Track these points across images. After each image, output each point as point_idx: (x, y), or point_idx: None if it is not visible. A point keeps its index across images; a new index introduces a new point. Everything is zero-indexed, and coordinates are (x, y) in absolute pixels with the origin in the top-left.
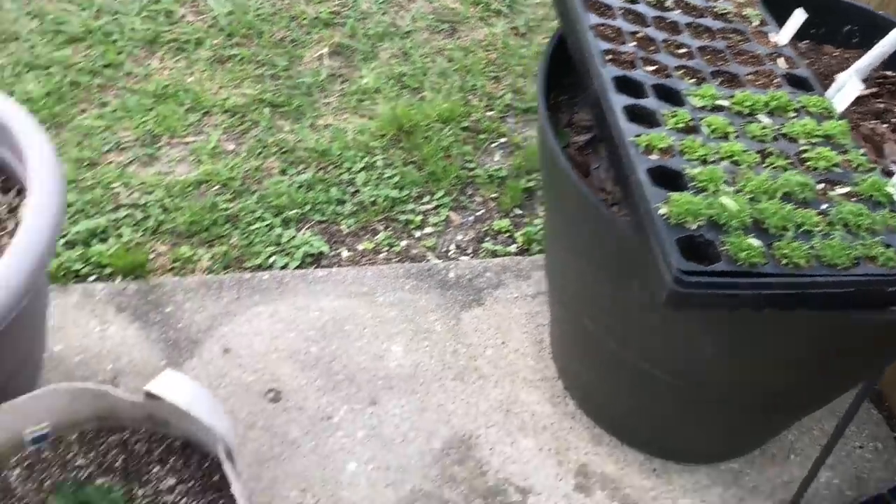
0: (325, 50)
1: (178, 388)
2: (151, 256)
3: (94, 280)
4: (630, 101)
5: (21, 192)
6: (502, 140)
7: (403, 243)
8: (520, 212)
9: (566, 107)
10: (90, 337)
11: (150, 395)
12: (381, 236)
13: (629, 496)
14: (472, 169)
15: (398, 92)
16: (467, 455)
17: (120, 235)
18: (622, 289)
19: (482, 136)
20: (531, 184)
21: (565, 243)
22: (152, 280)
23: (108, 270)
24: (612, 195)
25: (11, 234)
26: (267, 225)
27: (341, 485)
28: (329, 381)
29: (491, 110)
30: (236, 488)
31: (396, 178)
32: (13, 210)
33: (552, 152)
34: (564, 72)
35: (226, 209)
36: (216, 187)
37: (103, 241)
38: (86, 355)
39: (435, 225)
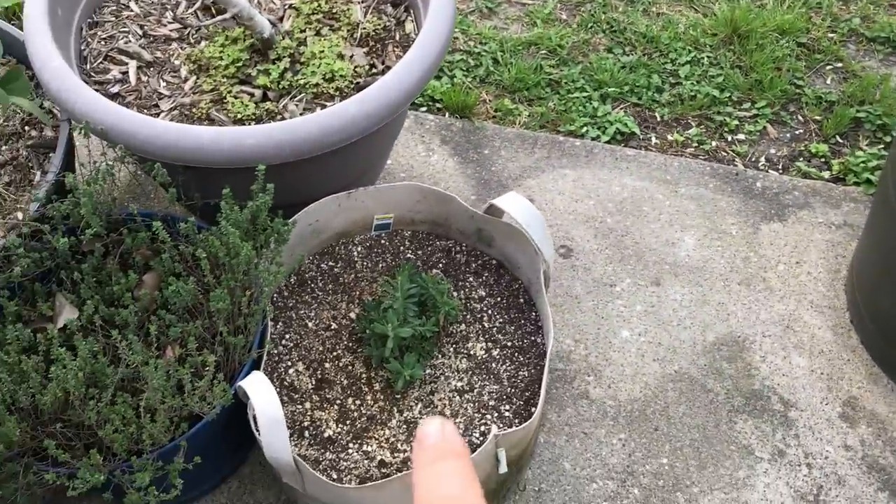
0: None
1: (520, 208)
2: (478, 102)
3: (425, 111)
4: None
5: (408, 9)
6: (838, 64)
7: (714, 143)
8: (841, 140)
9: None
10: (416, 159)
11: (489, 211)
12: (692, 131)
13: (895, 439)
14: (800, 86)
15: None
16: (738, 355)
17: (453, 76)
18: None
19: (818, 56)
20: (861, 115)
21: None
22: (476, 122)
23: (438, 105)
24: None
25: (397, 43)
26: (586, 96)
27: (612, 346)
28: (618, 252)
29: (833, 32)
30: (546, 310)
31: (720, 79)
32: (400, 23)
33: None
34: None
35: (549, 73)
36: (544, 51)
37: (437, 78)
38: (409, 174)
39: (749, 133)
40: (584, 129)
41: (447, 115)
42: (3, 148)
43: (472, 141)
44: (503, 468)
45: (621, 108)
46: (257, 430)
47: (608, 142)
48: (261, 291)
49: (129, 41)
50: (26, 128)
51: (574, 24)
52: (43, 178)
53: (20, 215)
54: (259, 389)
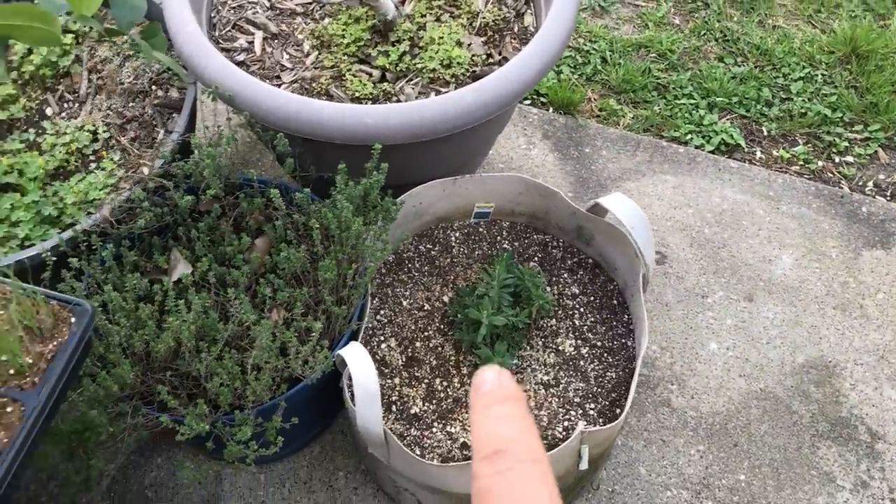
0: None
1: (626, 209)
2: (583, 100)
3: (529, 104)
4: None
5: (528, 2)
6: None
7: (820, 163)
8: None
9: None
10: (516, 151)
11: (592, 209)
12: (799, 149)
13: None
14: None
15: (862, 13)
16: (827, 380)
17: (560, 72)
18: None
19: None
20: None
21: None
22: (580, 119)
23: (543, 100)
24: None
25: (515, 34)
26: (693, 104)
27: (699, 357)
28: (712, 264)
29: None
30: (641, 314)
31: (833, 98)
32: (519, 15)
33: None
34: None
35: (657, 77)
36: (654, 55)
37: None
38: (508, 165)
39: (859, 156)
40: (689, 136)
41: (551, 110)
42: (131, 105)
43: (574, 138)
44: (584, 465)
45: (728, 119)
46: (351, 400)
47: (712, 151)
48: (366, 266)
49: (257, 12)
50: (153, 87)
51: (686, 30)
52: (166, 136)
53: (146, 170)
54: (358, 360)
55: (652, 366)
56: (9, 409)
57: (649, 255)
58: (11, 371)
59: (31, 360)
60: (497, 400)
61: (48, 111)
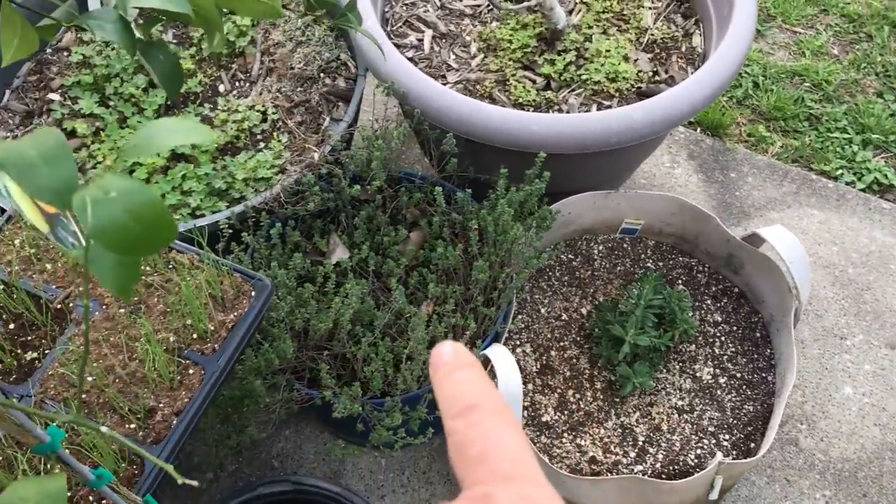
0: None
1: (786, 243)
2: (732, 124)
3: (687, 125)
4: None
5: (698, 22)
6: None
7: None
8: None
9: None
10: (660, 168)
11: (748, 238)
12: None
13: None
14: None
15: None
16: None
17: None
18: None
19: None
20: None
21: None
22: (728, 143)
23: (691, 120)
24: None
25: (682, 54)
26: (846, 138)
27: (832, 400)
28: (854, 305)
29: None
30: (790, 351)
31: None
32: (687, 34)
33: None
34: None
35: (810, 107)
36: (808, 84)
37: None
38: (650, 182)
39: None
40: (839, 171)
41: (699, 130)
42: (299, 89)
43: (721, 161)
44: (714, 495)
45: (883, 158)
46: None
47: (863, 189)
48: (518, 271)
49: (428, 11)
50: (321, 75)
51: (845, 62)
52: (331, 123)
53: (315, 156)
54: (504, 362)
55: None
56: (190, 372)
57: (804, 293)
58: (195, 335)
59: (212, 328)
60: (458, 367)
61: (220, 88)
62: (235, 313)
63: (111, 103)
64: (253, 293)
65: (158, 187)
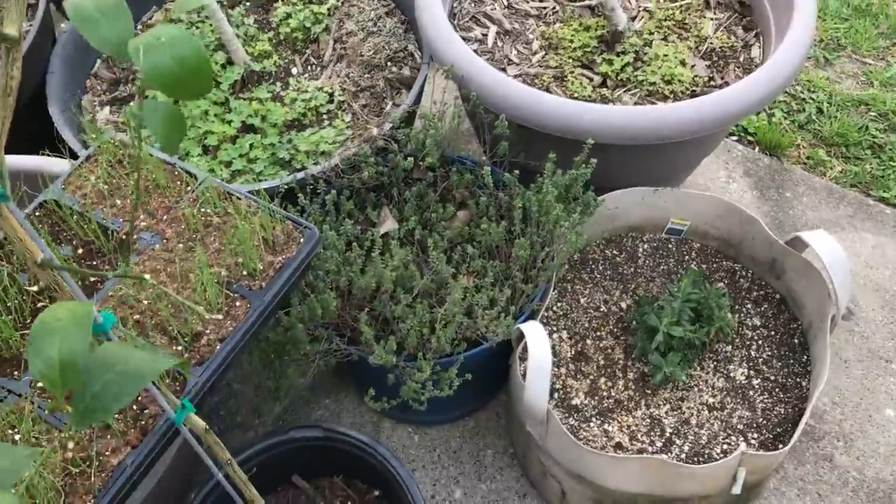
0: None
1: (828, 247)
2: (792, 146)
3: (735, 140)
4: None
5: (758, 35)
6: None
7: None
8: None
9: None
10: (715, 182)
11: (791, 242)
12: None
13: None
14: None
15: None
16: None
17: (772, 115)
18: None
19: None
20: None
21: None
22: (786, 164)
23: (750, 138)
24: None
25: (740, 63)
26: None
27: (872, 420)
28: None
29: None
30: (824, 355)
31: None
32: (747, 46)
33: None
34: None
35: (874, 136)
36: (873, 114)
37: (757, 114)
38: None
39: None
40: None
41: (757, 149)
42: (366, 76)
43: (777, 180)
44: (737, 489)
45: None
46: (521, 374)
47: None
48: (558, 252)
49: (495, 8)
50: (388, 63)
51: None
52: (394, 108)
53: (375, 131)
54: (537, 336)
55: (820, 418)
56: (237, 304)
57: (843, 298)
58: (244, 272)
59: (262, 267)
60: None
61: (293, 70)
62: (284, 256)
63: None
64: (301, 240)
65: (227, 153)
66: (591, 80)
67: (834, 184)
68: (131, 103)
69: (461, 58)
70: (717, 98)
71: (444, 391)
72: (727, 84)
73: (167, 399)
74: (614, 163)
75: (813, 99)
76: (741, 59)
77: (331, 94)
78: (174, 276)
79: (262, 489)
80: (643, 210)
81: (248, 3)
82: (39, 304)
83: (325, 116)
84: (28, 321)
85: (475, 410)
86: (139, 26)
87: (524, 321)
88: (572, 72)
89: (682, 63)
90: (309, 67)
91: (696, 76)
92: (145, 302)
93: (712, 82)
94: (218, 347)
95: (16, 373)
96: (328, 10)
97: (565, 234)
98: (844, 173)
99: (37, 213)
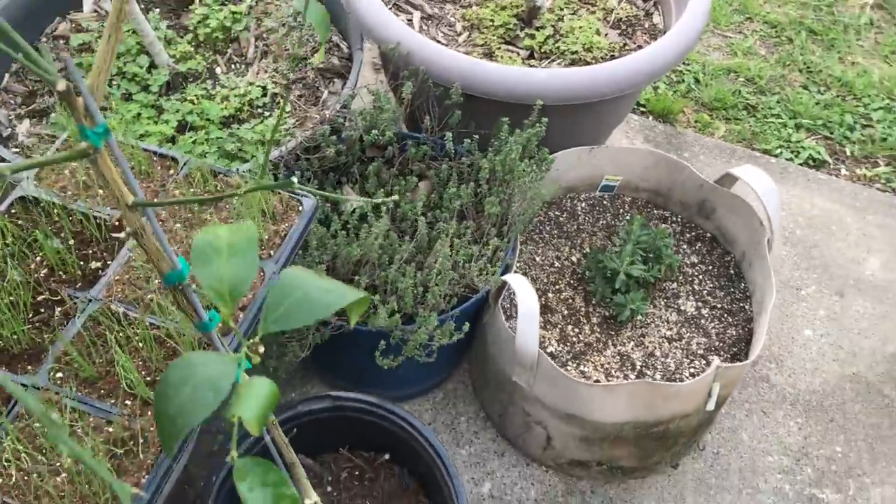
0: (871, 0)
1: (758, 178)
2: (680, 112)
3: (631, 112)
4: None
5: (656, 4)
6: None
7: None
8: None
9: None
10: None
11: (720, 180)
12: (880, 169)
13: None
14: None
15: None
16: None
17: (657, 88)
18: None
19: None
20: None
21: None
22: (678, 128)
23: (642, 109)
24: None
25: (646, 30)
26: (781, 123)
27: (795, 342)
28: (805, 261)
29: None
30: (767, 272)
31: None
32: (648, 14)
33: None
34: None
35: (747, 99)
36: (742, 79)
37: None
38: None
39: None
40: (779, 150)
41: (651, 118)
42: (294, 68)
43: (674, 143)
44: (711, 405)
45: (814, 139)
46: (507, 323)
47: (801, 164)
48: (527, 206)
49: None
50: (313, 54)
51: (772, 60)
52: (330, 95)
53: (327, 113)
54: (521, 284)
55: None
56: None
57: (776, 222)
58: None
59: (267, 236)
60: None
61: (217, 70)
62: (286, 224)
63: (115, 82)
64: (300, 208)
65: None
66: (518, 53)
67: (723, 141)
68: (52, 115)
69: (404, 36)
70: (642, 56)
71: (451, 338)
72: (640, 48)
73: (225, 349)
74: (551, 126)
75: (689, 70)
76: (646, 27)
77: (264, 88)
78: (182, 253)
79: None
80: (580, 170)
81: (157, 10)
82: (39, 298)
83: (261, 110)
84: (31, 315)
85: (440, 382)
86: (43, 38)
87: (501, 275)
88: (499, 48)
89: (598, 32)
90: (233, 66)
91: (611, 43)
92: (157, 281)
93: (626, 47)
94: (241, 316)
95: (30, 367)
96: (247, 8)
97: (531, 188)
98: (729, 132)
99: (12, 210)
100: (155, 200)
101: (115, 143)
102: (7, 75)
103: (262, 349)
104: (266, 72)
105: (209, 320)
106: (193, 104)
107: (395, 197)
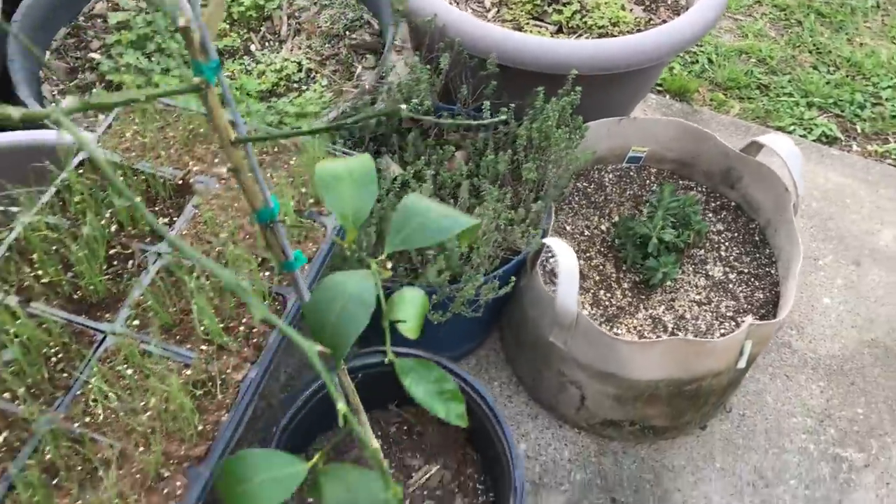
0: None
1: (784, 144)
2: (696, 90)
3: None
4: None
5: None
6: None
7: None
8: None
9: None
10: None
11: (746, 149)
12: (891, 145)
13: None
14: None
15: None
16: None
17: (672, 68)
18: None
19: None
20: None
21: None
22: (695, 106)
23: (659, 88)
24: None
25: (668, 6)
26: (793, 101)
27: (815, 309)
28: (821, 232)
29: None
30: (794, 237)
31: None
32: None
33: None
34: None
35: (759, 79)
36: (754, 60)
37: None
38: None
39: None
40: (792, 127)
41: (667, 97)
42: (328, 45)
43: (691, 121)
44: (743, 363)
45: (825, 117)
46: (549, 282)
47: (814, 141)
48: (564, 172)
49: None
50: (346, 32)
51: (782, 42)
52: (364, 70)
53: (366, 84)
54: (561, 246)
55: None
56: (313, 228)
57: (801, 186)
58: (311, 200)
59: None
60: None
61: (251, 48)
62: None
63: (153, 59)
64: None
65: None
66: (546, 28)
67: (738, 119)
68: (94, 90)
69: (440, 9)
70: (669, 28)
71: (498, 292)
72: (664, 22)
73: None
74: (582, 97)
75: (703, 51)
76: (669, 2)
77: (299, 64)
78: (244, 210)
79: (314, 431)
80: (608, 141)
81: None
82: (111, 251)
83: (296, 84)
84: (105, 267)
85: (476, 348)
86: (81, 17)
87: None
88: (527, 23)
89: (622, 8)
90: (267, 43)
91: (637, 18)
92: (223, 235)
93: (651, 22)
94: (307, 269)
95: (108, 315)
96: None
97: (567, 154)
98: (744, 110)
99: (79, 171)
100: (254, 135)
101: (225, 80)
102: (48, 52)
103: (389, 265)
104: (300, 48)
105: (294, 259)
106: (231, 79)
107: (399, 171)
